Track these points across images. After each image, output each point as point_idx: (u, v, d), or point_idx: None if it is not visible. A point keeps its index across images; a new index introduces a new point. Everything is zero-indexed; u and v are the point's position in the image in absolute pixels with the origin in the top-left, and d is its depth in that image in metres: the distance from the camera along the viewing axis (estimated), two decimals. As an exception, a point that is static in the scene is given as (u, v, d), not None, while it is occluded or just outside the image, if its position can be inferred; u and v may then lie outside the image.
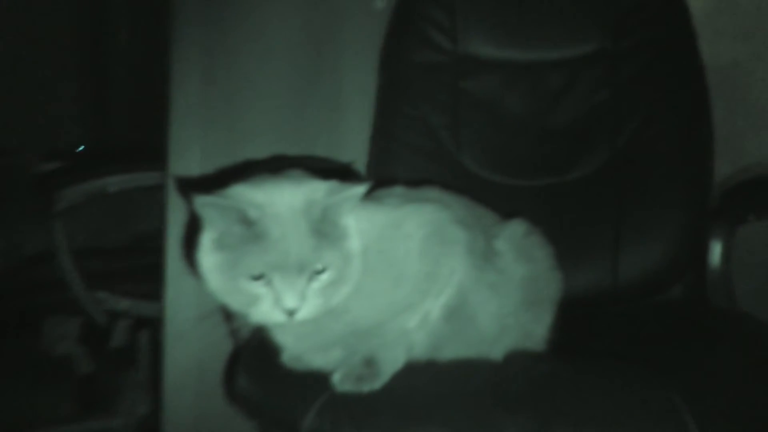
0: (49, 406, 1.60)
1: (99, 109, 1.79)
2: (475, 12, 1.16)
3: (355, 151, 1.17)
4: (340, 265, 0.59)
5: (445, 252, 0.66)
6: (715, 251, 1.02)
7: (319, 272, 0.59)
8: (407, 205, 0.70)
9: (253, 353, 0.71)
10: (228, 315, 0.79)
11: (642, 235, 1.04)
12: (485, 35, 1.17)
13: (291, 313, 0.58)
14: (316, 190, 0.61)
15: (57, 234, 1.12)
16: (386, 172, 1.12)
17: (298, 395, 0.63)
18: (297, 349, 0.66)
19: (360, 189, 0.59)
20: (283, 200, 0.59)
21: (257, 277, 0.58)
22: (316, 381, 0.64)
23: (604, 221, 1.06)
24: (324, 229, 0.59)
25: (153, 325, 1.30)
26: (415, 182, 0.82)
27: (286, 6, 1.22)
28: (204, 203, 0.57)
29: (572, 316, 0.87)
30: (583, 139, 1.12)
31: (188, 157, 1.09)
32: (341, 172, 0.81)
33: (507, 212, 0.86)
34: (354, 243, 0.61)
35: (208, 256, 0.59)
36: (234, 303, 0.60)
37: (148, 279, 1.15)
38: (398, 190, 0.76)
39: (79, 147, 1.79)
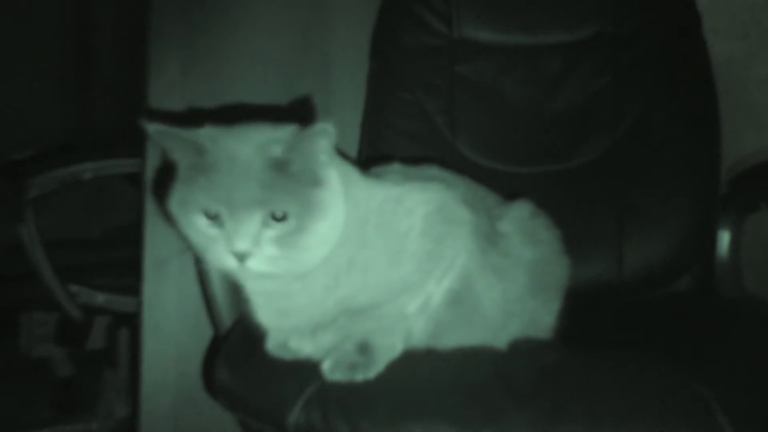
0: (26, 409, 1.54)
1: (82, 98, 1.73)
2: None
3: (347, 138, 1.12)
4: (301, 213, 0.54)
5: (450, 232, 0.61)
6: (724, 241, 0.98)
7: (279, 220, 0.53)
8: (410, 181, 0.65)
9: (235, 342, 0.65)
10: (208, 301, 0.74)
11: (647, 224, 0.99)
12: (482, 18, 1.12)
13: (242, 257, 0.53)
14: (284, 130, 0.56)
15: (28, 224, 1.05)
16: (381, 155, 1.07)
17: (283, 386, 0.57)
18: (281, 331, 0.60)
19: (328, 126, 0.54)
20: (243, 137, 0.56)
21: (211, 217, 0.53)
22: (304, 370, 0.58)
23: (606, 210, 1.02)
24: (289, 171, 0.54)
25: (131, 323, 1.24)
26: (413, 160, 0.77)
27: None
28: (157, 131, 0.55)
29: (577, 308, 0.82)
30: (583, 126, 1.07)
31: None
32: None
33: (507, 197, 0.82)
34: (329, 196, 0.56)
35: (173, 194, 0.56)
36: (195, 245, 0.56)
37: (126, 273, 1.09)
38: (396, 166, 0.71)
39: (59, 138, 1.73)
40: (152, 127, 0.55)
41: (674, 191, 1.00)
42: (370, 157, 1.06)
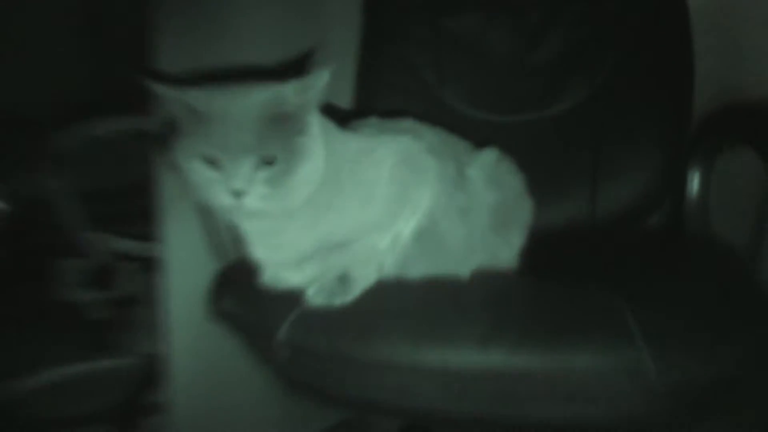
0: (59, 348, 1.68)
1: (97, 55, 1.81)
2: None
3: (342, 92, 1.19)
4: (287, 157, 0.62)
5: (415, 179, 0.70)
6: (693, 181, 1.04)
7: (269, 163, 0.62)
8: (382, 134, 0.73)
9: (236, 276, 0.76)
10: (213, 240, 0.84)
11: (620, 167, 1.06)
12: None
13: (238, 195, 0.62)
14: (273, 87, 0.65)
15: (56, 176, 1.16)
16: (372, 110, 1.15)
17: (274, 310, 0.68)
18: (273, 265, 0.70)
19: (317, 78, 0.63)
20: (237, 94, 0.64)
21: (210, 161, 0.62)
22: (292, 297, 0.68)
23: (582, 154, 1.09)
24: (279, 122, 0.63)
25: (153, 267, 1.36)
26: (390, 113, 0.85)
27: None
28: (161, 92, 0.64)
29: (548, 244, 0.91)
30: (563, 75, 1.13)
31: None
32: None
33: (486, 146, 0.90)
34: (311, 142, 0.65)
35: (177, 146, 0.65)
36: (197, 188, 0.65)
37: (145, 221, 1.20)
38: (373, 120, 0.79)
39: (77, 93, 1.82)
40: (158, 89, 0.64)
41: (646, 135, 1.06)
42: (360, 109, 1.13)
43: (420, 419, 0.86)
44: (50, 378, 1.59)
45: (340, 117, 0.87)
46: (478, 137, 1.10)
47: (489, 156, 0.81)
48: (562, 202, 1.07)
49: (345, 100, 1.17)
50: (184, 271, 1.10)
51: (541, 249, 0.92)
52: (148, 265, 1.43)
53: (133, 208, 1.24)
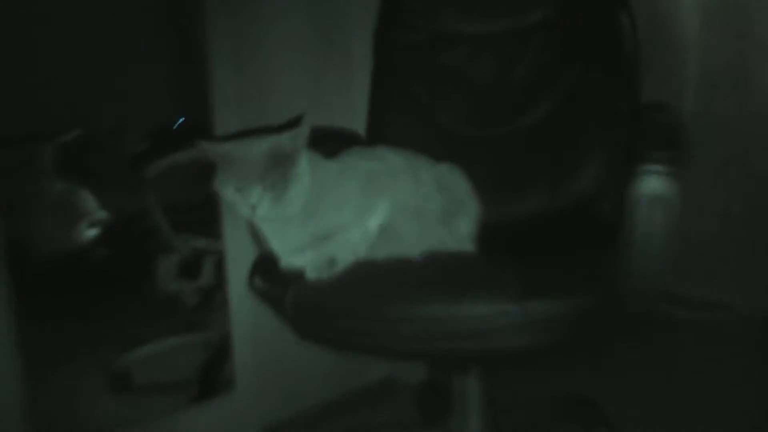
0: (161, 327, 2.11)
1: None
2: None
3: (361, 119, 1.51)
4: (284, 182, 0.94)
5: (376, 192, 1.01)
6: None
7: (272, 187, 0.93)
8: (358, 160, 1.05)
9: (263, 262, 1.10)
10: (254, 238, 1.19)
11: (574, 166, 1.31)
12: (456, 12, 1.47)
13: (253, 208, 0.93)
14: (278, 136, 0.97)
15: (149, 196, 1.56)
16: (383, 132, 1.47)
17: (284, 282, 1.01)
18: (283, 253, 1.03)
19: (301, 131, 0.95)
20: (251, 143, 0.97)
21: (235, 188, 0.94)
22: (295, 274, 1.01)
23: (545, 157, 1.35)
24: (278, 161, 0.94)
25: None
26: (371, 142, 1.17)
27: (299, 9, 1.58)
28: (205, 146, 0.98)
29: (515, 229, 1.20)
30: (530, 94, 1.40)
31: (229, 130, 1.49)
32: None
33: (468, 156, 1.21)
34: (300, 171, 0.95)
35: (215, 178, 0.97)
36: (230, 204, 0.96)
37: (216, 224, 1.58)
38: (355, 149, 1.11)
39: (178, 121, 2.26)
40: (204, 144, 0.98)
41: (593, 140, 1.31)
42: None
43: (384, 355, 1.17)
44: (151, 350, 2.01)
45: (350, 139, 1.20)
46: (463, 148, 1.41)
47: (442, 168, 1.11)
48: (528, 196, 1.34)
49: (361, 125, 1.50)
50: (241, 260, 1.46)
51: (507, 233, 1.22)
52: (222, 258, 1.82)
53: (206, 215, 1.63)
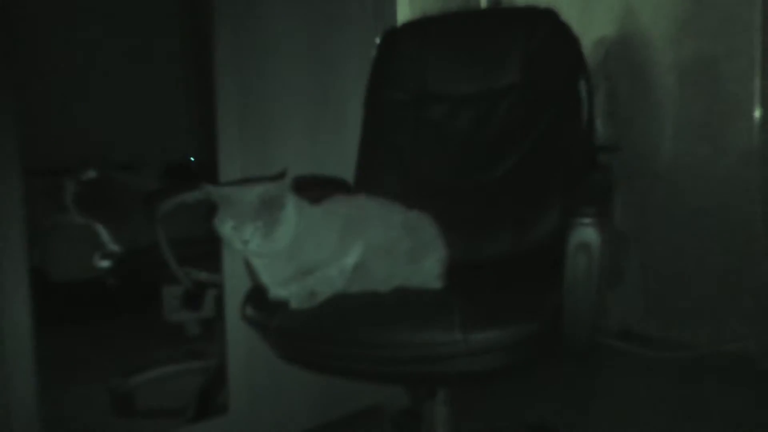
0: (165, 355, 2.27)
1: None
2: (435, 60, 1.63)
3: (352, 167, 1.68)
4: (273, 223, 1.09)
5: (351, 235, 1.17)
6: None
7: (263, 225, 1.09)
8: (338, 207, 1.22)
9: (254, 293, 1.26)
10: (249, 271, 1.35)
11: (535, 216, 1.48)
12: (441, 76, 1.65)
13: (245, 243, 1.08)
14: (268, 184, 1.13)
15: (159, 232, 1.74)
16: (368, 180, 1.64)
17: (270, 311, 1.17)
18: (271, 285, 1.19)
19: (286, 181, 1.13)
20: (246, 189, 1.13)
21: (231, 226, 1.10)
22: (281, 304, 1.17)
23: (511, 207, 1.51)
24: (268, 204, 1.10)
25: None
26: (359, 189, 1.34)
27: (298, 63, 1.77)
28: (208, 190, 1.14)
29: (474, 271, 1.35)
30: (500, 148, 1.57)
31: (232, 175, 1.67)
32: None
33: (443, 203, 1.38)
34: (286, 212, 1.11)
35: (216, 217, 1.12)
36: (226, 239, 1.10)
37: (216, 258, 1.75)
38: (337, 197, 1.28)
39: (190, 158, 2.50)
40: (207, 188, 1.16)
41: (554, 194, 1.47)
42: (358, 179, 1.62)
43: (359, 377, 1.33)
44: (152, 375, 2.16)
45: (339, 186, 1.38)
46: (439, 195, 1.58)
47: (412, 214, 1.27)
48: (495, 241, 1.50)
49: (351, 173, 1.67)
50: (238, 291, 1.62)
51: (474, 272, 1.37)
52: (222, 291, 1.98)
53: (207, 250, 1.80)
